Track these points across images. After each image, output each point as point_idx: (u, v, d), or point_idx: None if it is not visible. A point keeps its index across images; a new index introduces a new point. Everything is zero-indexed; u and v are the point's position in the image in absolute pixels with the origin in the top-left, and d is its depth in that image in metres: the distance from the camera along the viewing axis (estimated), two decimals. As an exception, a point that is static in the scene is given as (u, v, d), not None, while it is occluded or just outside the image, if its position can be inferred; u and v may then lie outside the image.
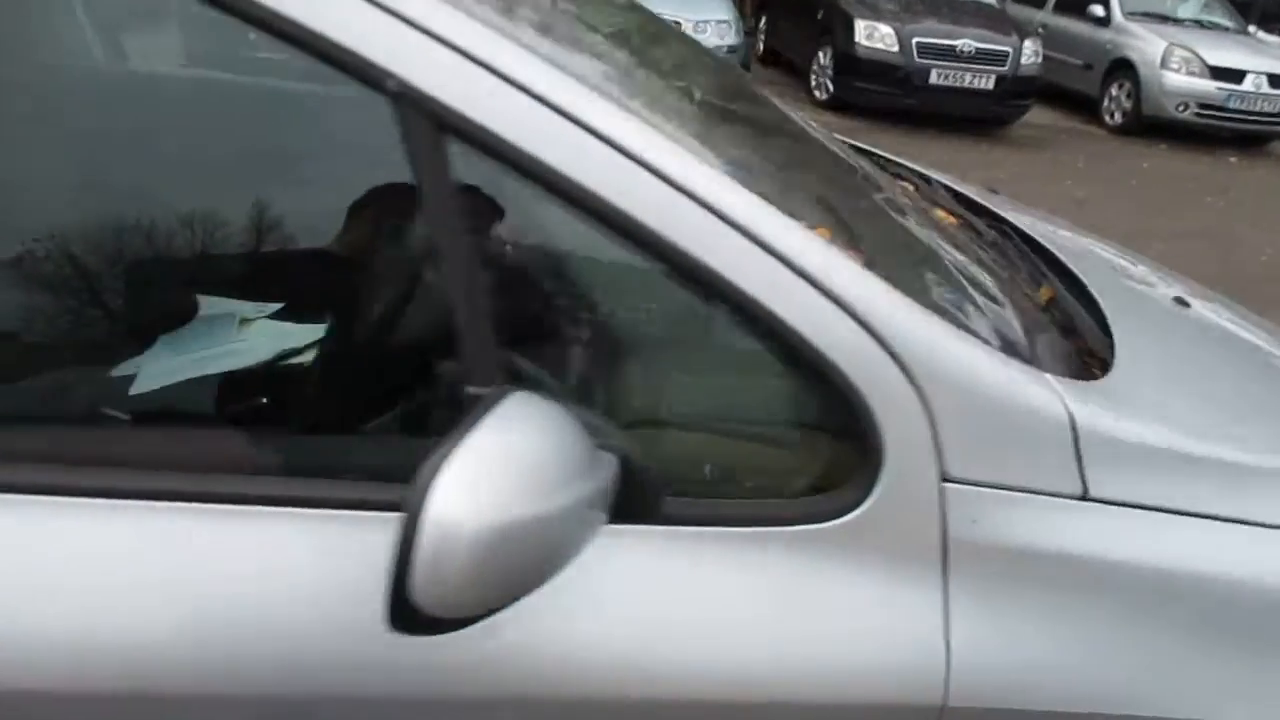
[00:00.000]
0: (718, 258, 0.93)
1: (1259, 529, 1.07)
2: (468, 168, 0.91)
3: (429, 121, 0.88)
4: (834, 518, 0.98)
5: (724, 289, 0.93)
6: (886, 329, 0.96)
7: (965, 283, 1.23)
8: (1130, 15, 10.03)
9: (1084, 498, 1.03)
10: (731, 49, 8.41)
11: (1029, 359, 1.09)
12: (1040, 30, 10.18)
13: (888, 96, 8.64)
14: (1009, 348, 1.10)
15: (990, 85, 8.70)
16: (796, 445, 1.05)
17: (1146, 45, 9.63)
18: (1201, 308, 1.64)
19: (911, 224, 1.42)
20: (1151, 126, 9.45)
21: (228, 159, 1.14)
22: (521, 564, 0.79)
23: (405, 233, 1.04)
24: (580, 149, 0.91)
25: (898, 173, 1.89)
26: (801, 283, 0.94)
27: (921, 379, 0.97)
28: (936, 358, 0.98)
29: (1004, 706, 1.00)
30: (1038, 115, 9.40)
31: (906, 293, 1.02)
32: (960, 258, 1.35)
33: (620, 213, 0.91)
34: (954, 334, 1.01)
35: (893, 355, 0.96)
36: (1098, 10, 10.18)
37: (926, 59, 8.60)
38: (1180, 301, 1.57)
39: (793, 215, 1.00)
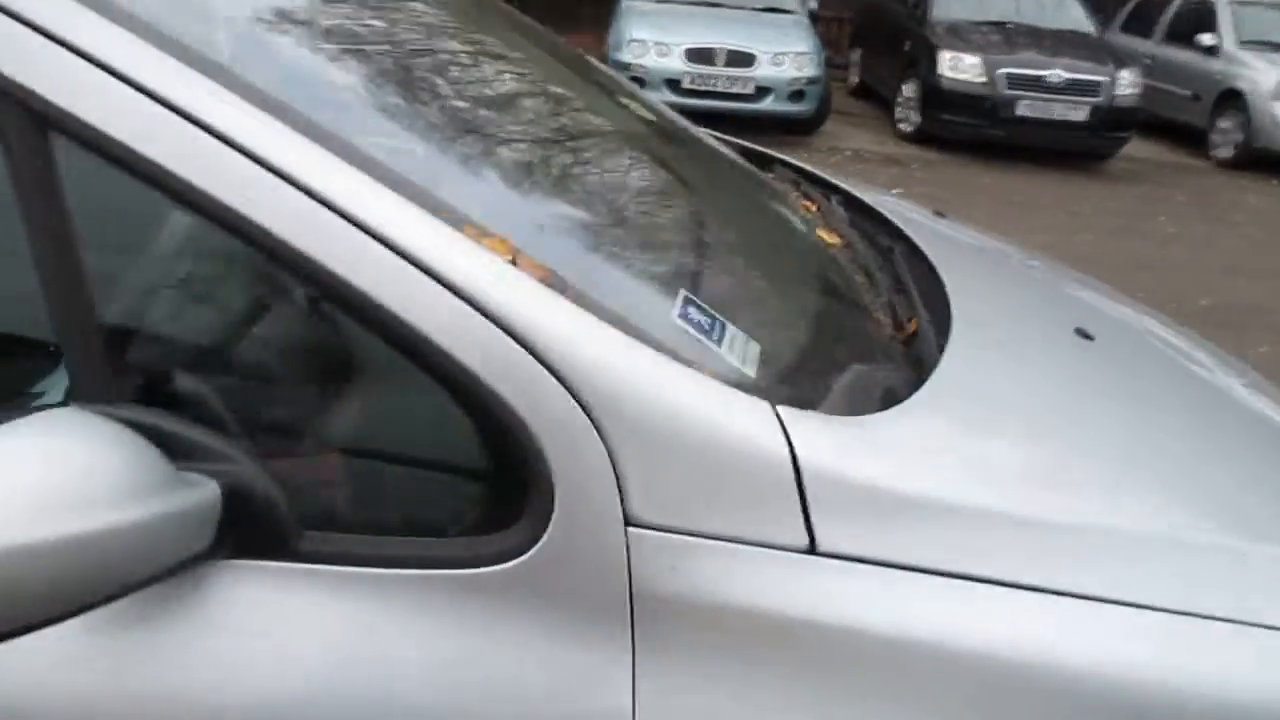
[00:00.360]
0: (357, 272, 0.82)
1: (1044, 595, 0.89)
2: (79, 169, 0.82)
3: (29, 117, 0.80)
4: (501, 561, 0.85)
5: (360, 301, 0.82)
6: (558, 353, 0.83)
7: (724, 301, 1.07)
8: (1243, 44, 9.47)
9: (810, 551, 0.87)
10: (811, 81, 8.26)
11: (764, 389, 0.94)
12: (1148, 61, 9.70)
13: (974, 129, 8.34)
14: (741, 377, 0.96)
15: (1084, 117, 8.30)
16: (461, 479, 0.92)
17: (1259, 75, 9.06)
18: (1115, 343, 1.44)
19: (704, 236, 1.27)
20: (1261, 160, 8.86)
21: None
22: (19, 589, 0.69)
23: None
24: (194, 147, 0.81)
25: (786, 178, 1.74)
26: (452, 298, 0.82)
27: (600, 410, 0.83)
28: (622, 386, 0.84)
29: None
30: (1140, 149, 8.92)
31: (614, 313, 0.89)
32: (743, 273, 1.21)
33: (245, 220, 0.81)
34: (654, 359, 0.87)
35: (563, 382, 0.83)
36: (1207, 39, 9.64)
37: (1014, 90, 8.27)
38: (1082, 334, 1.38)
39: (471, 222, 0.89)
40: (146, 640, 0.83)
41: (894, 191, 2.32)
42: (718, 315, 1.02)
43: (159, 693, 0.83)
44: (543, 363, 0.83)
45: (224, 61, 0.92)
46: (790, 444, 0.87)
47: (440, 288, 0.82)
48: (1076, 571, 0.90)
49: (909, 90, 8.89)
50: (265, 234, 0.81)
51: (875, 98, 10.03)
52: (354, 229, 0.82)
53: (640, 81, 7.27)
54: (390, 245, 0.82)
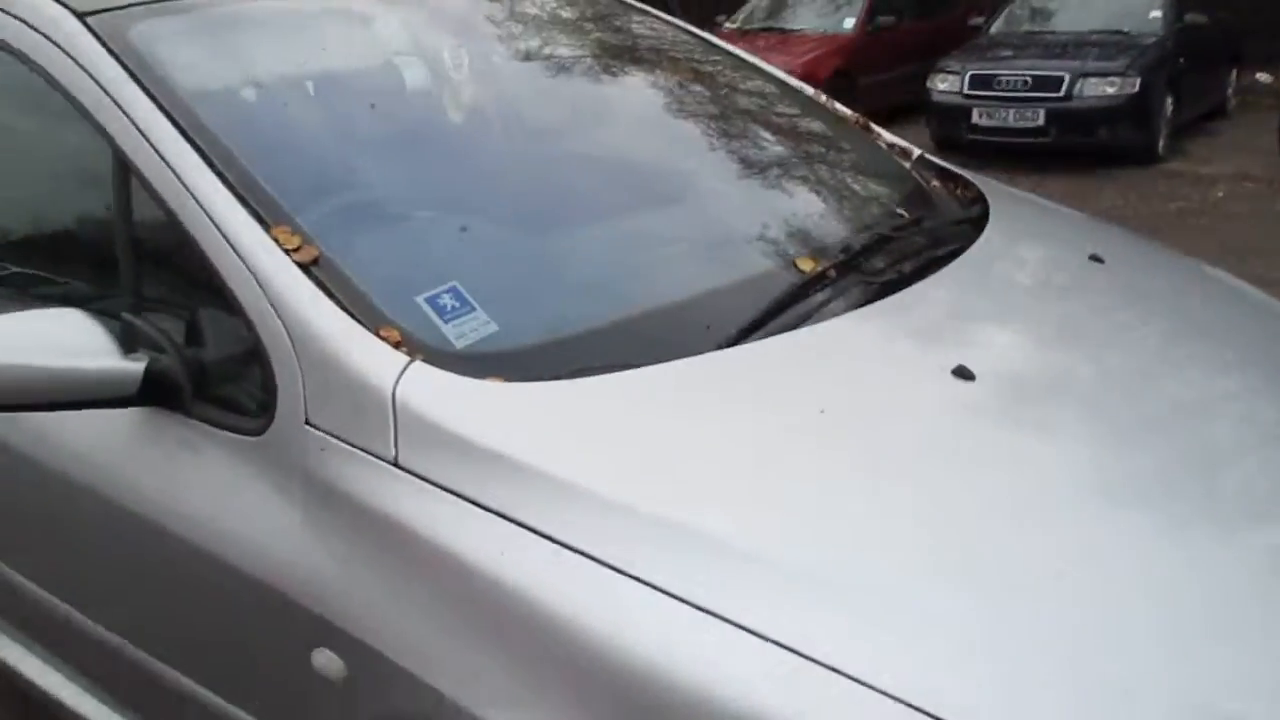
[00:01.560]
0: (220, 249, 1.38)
1: (563, 550, 1.13)
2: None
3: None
4: (257, 434, 1.36)
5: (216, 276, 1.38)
6: (282, 302, 1.32)
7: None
8: None
9: (399, 469, 1.24)
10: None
11: (413, 336, 1.30)
12: None
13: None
14: (445, 345, 1.32)
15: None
16: (245, 385, 1.41)
17: None
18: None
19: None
20: None
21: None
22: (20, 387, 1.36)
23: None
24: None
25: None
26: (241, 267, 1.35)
27: (304, 357, 1.30)
28: (296, 310, 1.30)
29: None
30: None
31: (355, 290, 1.34)
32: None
33: (177, 224, 1.42)
34: (330, 307, 1.30)
35: (285, 323, 1.31)
36: None
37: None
38: (961, 374, 1.38)
39: (283, 223, 1.39)
40: (136, 450, 1.48)
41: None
42: (477, 306, 1.39)
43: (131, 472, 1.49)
44: (283, 313, 1.31)
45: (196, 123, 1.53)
46: (397, 385, 1.24)
47: (245, 268, 1.35)
48: (597, 541, 1.12)
49: None
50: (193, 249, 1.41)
51: None
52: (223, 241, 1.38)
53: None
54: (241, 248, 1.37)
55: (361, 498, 1.25)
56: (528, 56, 2.11)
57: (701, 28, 2.55)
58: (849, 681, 0.97)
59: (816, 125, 2.30)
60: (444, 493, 1.21)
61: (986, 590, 1.08)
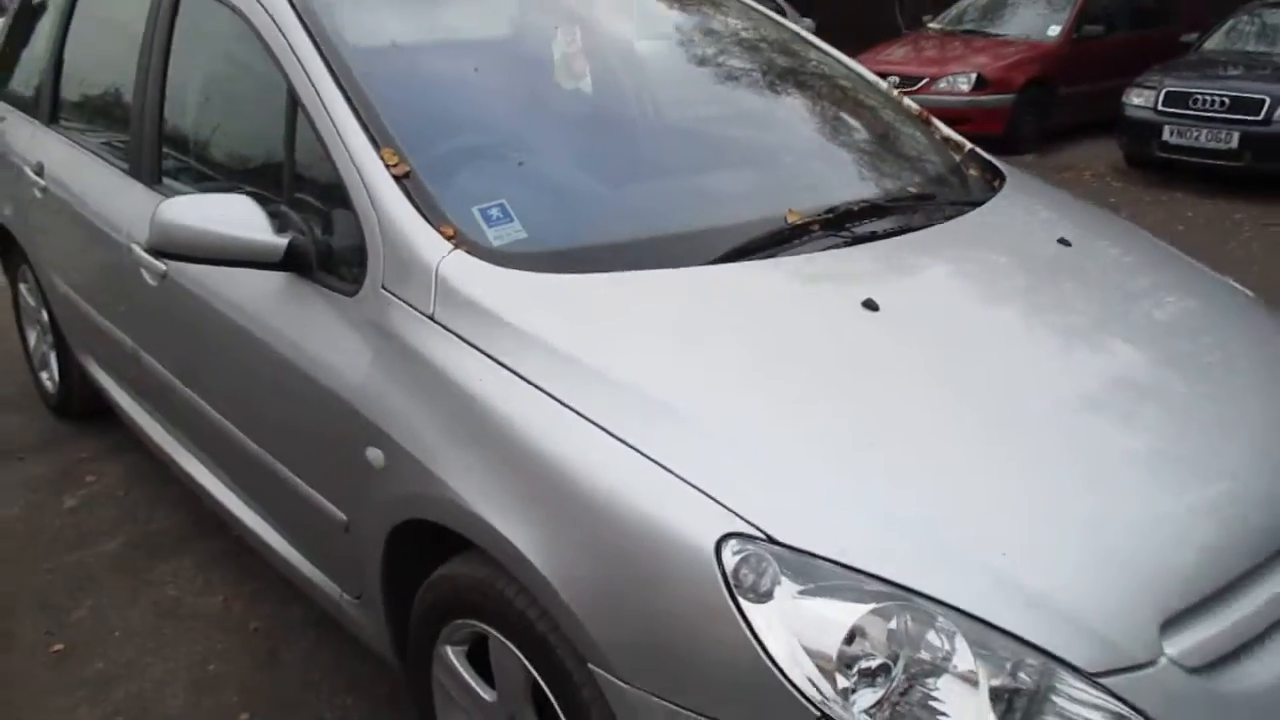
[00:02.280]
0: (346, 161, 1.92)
1: (593, 430, 1.52)
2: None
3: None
4: (353, 294, 1.89)
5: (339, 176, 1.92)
6: (377, 199, 1.84)
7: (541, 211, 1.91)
8: None
9: (433, 321, 1.74)
10: None
11: (463, 233, 1.78)
12: None
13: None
14: (487, 242, 1.81)
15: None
16: (350, 256, 1.93)
17: None
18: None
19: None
20: None
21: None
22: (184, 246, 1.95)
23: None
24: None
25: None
26: (356, 174, 1.89)
27: (387, 238, 1.82)
28: (386, 206, 1.82)
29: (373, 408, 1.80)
30: None
31: (430, 197, 1.85)
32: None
33: (324, 140, 1.97)
34: (407, 206, 1.81)
35: (377, 215, 1.84)
36: None
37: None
38: (869, 305, 1.76)
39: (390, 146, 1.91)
40: (273, 300, 2.06)
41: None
42: (512, 215, 1.87)
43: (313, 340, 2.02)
44: (376, 208, 1.84)
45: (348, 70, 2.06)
46: (438, 264, 1.74)
47: (358, 174, 1.88)
48: (626, 418, 1.54)
49: None
50: (329, 160, 1.96)
51: None
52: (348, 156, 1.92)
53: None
54: (357, 161, 1.90)
55: (407, 340, 1.76)
56: (610, 36, 2.58)
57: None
58: (675, 479, 1.40)
59: (867, 109, 2.65)
60: (462, 343, 1.70)
61: (830, 428, 1.51)
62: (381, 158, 1.90)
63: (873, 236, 2.01)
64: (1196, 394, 1.75)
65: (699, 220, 2.01)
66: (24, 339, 4.00)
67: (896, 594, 1.30)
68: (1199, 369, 1.85)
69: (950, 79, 9.33)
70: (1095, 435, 1.58)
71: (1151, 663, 1.32)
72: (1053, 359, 1.78)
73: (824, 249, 1.94)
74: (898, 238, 2.02)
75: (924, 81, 9.41)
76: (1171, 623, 1.36)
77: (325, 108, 1.99)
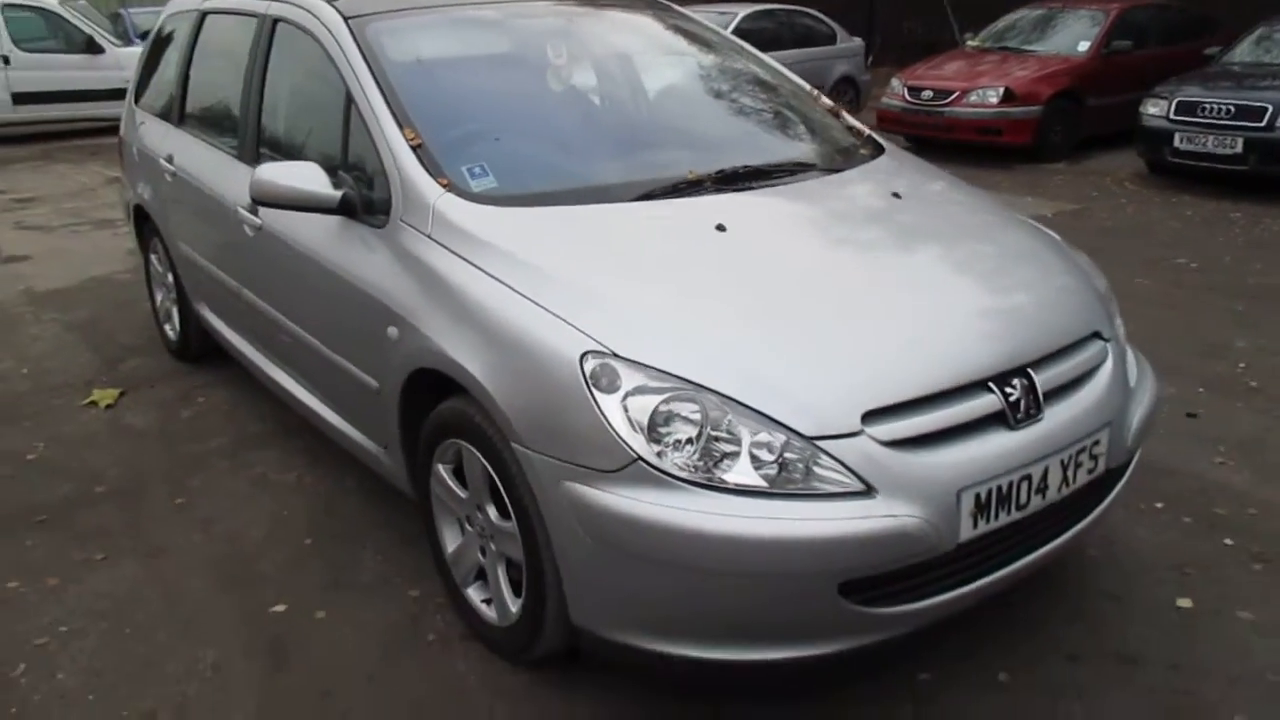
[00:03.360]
0: (381, 136, 2.81)
1: (518, 296, 2.40)
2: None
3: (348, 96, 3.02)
4: (382, 225, 2.77)
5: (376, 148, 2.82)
6: (403, 167, 2.71)
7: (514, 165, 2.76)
8: None
9: (429, 238, 2.60)
10: None
11: (453, 183, 2.65)
12: None
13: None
14: (468, 186, 2.67)
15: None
16: (377, 202, 2.82)
17: None
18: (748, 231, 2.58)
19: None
20: None
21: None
22: (271, 197, 2.86)
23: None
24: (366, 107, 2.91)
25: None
26: (386, 145, 2.77)
27: (403, 185, 2.70)
28: (410, 178, 2.69)
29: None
30: None
31: (433, 158, 2.72)
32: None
33: (368, 137, 2.88)
34: (421, 173, 2.68)
35: (400, 173, 2.72)
36: None
37: None
38: (720, 228, 2.57)
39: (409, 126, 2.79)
40: (331, 233, 2.96)
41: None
42: (489, 173, 2.73)
43: (355, 260, 2.93)
44: (397, 166, 2.73)
45: (386, 77, 2.96)
46: (434, 201, 2.61)
47: (387, 144, 2.77)
48: (540, 290, 2.40)
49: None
50: (370, 138, 2.85)
51: None
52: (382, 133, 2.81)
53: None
54: (388, 136, 2.79)
55: (413, 251, 2.63)
56: (592, 52, 3.47)
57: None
58: (564, 322, 2.23)
59: (782, 102, 3.48)
60: (447, 250, 2.56)
61: (668, 292, 2.33)
62: (403, 134, 2.79)
63: (746, 188, 2.83)
64: (935, 280, 2.56)
65: (625, 176, 2.85)
66: (152, 299, 5.04)
67: (688, 387, 2.11)
68: (948, 263, 2.67)
69: (980, 92, 9.97)
70: (846, 298, 2.39)
71: (854, 434, 2.10)
72: (830, 252, 2.64)
73: (706, 195, 2.76)
74: (762, 190, 2.84)
75: (955, 95, 10.08)
76: (875, 413, 2.13)
77: (370, 102, 2.88)
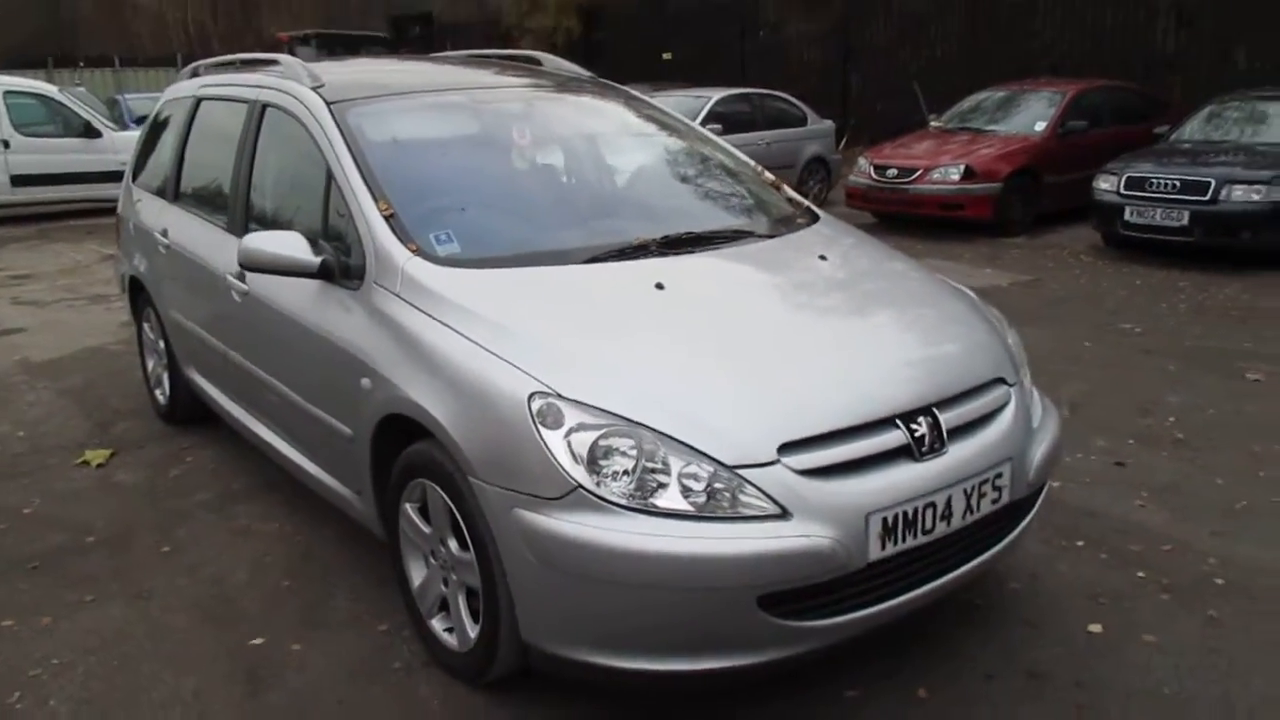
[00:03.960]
0: (357, 207, 3.12)
1: (475, 347, 2.68)
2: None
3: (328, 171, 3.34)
4: (357, 288, 3.06)
5: (353, 218, 3.12)
6: (376, 236, 3.01)
7: (480, 235, 3.06)
8: None
9: (399, 296, 2.89)
10: None
11: (421, 248, 2.94)
12: None
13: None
14: (434, 251, 2.97)
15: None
16: (351, 268, 3.11)
17: None
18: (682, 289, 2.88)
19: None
20: None
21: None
22: (258, 262, 3.15)
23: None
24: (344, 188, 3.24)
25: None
26: (362, 215, 3.08)
27: (375, 254, 3.00)
28: (377, 233, 2.99)
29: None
30: None
31: (404, 229, 3.02)
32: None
33: (347, 209, 3.19)
34: (394, 242, 2.97)
35: (374, 241, 3.01)
36: None
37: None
38: (659, 286, 2.87)
39: (383, 199, 3.10)
40: (310, 297, 3.25)
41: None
42: (454, 239, 3.04)
43: (333, 319, 3.25)
44: (371, 234, 3.03)
45: (364, 156, 3.28)
46: (403, 264, 2.91)
47: (363, 215, 3.08)
48: (495, 341, 2.70)
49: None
50: (348, 209, 3.16)
51: None
52: (359, 204, 3.13)
53: None
54: (363, 208, 3.10)
55: (385, 310, 2.91)
56: (553, 132, 3.81)
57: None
58: (515, 368, 2.50)
59: (726, 174, 3.82)
60: (414, 308, 2.84)
61: (610, 342, 2.61)
62: (378, 206, 3.10)
63: (687, 252, 3.14)
64: (851, 330, 2.90)
65: (578, 242, 3.16)
66: (144, 366, 5.30)
67: (624, 424, 2.38)
68: (864, 316, 3.01)
69: (942, 170, 10.44)
70: (769, 345, 2.68)
71: (771, 463, 2.37)
72: (757, 306, 2.94)
73: (650, 258, 3.06)
74: (702, 253, 3.15)
75: (919, 172, 10.55)
76: (791, 445, 2.40)
77: (348, 178, 3.20)
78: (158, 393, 5.15)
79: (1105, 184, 9.22)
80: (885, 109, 17.00)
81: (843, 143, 15.15)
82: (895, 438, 2.52)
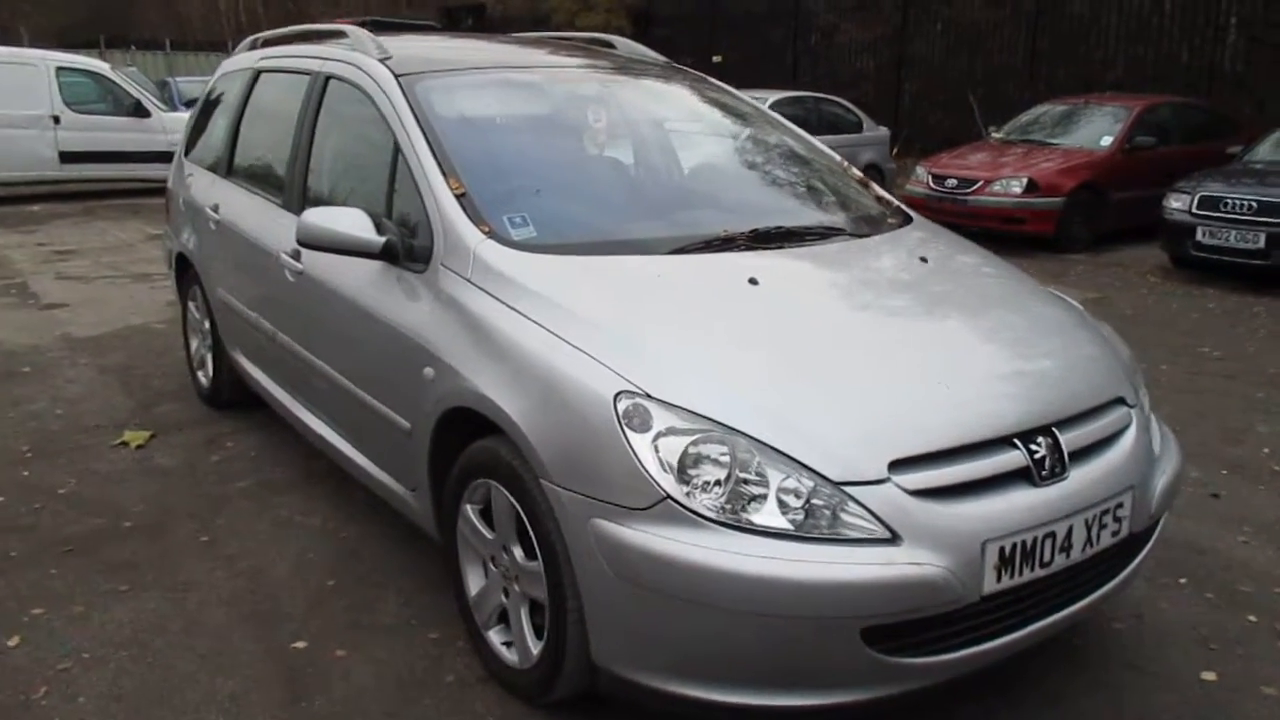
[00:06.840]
0: (426, 185, 2.92)
1: (554, 338, 2.44)
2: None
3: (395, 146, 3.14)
4: (425, 271, 2.85)
5: (421, 196, 2.92)
6: (446, 214, 2.81)
7: (559, 221, 2.85)
8: None
9: (469, 281, 2.68)
10: None
11: (495, 230, 2.73)
12: None
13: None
14: (510, 235, 2.75)
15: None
16: (419, 251, 2.90)
17: None
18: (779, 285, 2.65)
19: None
20: None
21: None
22: (318, 240, 2.96)
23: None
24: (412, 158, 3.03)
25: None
26: (431, 193, 2.87)
27: (444, 230, 2.78)
28: (453, 224, 2.77)
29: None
30: None
31: (476, 208, 2.81)
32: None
33: (416, 185, 2.98)
34: (467, 223, 2.76)
35: (442, 218, 2.81)
36: None
37: None
38: (752, 281, 2.64)
39: (454, 177, 2.89)
40: (374, 279, 3.05)
41: None
42: (529, 223, 2.82)
43: (395, 303, 3.05)
44: (441, 213, 2.82)
45: (434, 131, 3.07)
46: (475, 246, 2.70)
47: (432, 193, 2.87)
48: (575, 333, 2.47)
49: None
50: (415, 187, 2.95)
51: None
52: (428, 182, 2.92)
53: None
54: (433, 185, 2.89)
55: (453, 294, 2.70)
56: (629, 117, 3.58)
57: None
58: (598, 363, 2.28)
59: (816, 171, 3.57)
60: (486, 294, 2.63)
61: (701, 339, 2.39)
62: (448, 183, 2.89)
63: (778, 247, 2.90)
64: (962, 341, 2.63)
65: (660, 232, 2.94)
66: (187, 346, 5.13)
67: (718, 429, 2.15)
68: (975, 326, 2.74)
69: (1004, 182, 10.13)
70: (874, 352, 2.43)
71: (880, 481, 2.13)
72: (860, 309, 2.70)
73: (739, 252, 2.83)
74: (793, 248, 2.91)
75: (979, 184, 10.24)
76: (902, 462, 2.16)
77: (417, 153, 2.99)
78: (200, 375, 4.98)
79: (1176, 203, 8.88)
80: (938, 120, 16.69)
81: (893, 152, 14.83)
82: (1014, 459, 2.27)
